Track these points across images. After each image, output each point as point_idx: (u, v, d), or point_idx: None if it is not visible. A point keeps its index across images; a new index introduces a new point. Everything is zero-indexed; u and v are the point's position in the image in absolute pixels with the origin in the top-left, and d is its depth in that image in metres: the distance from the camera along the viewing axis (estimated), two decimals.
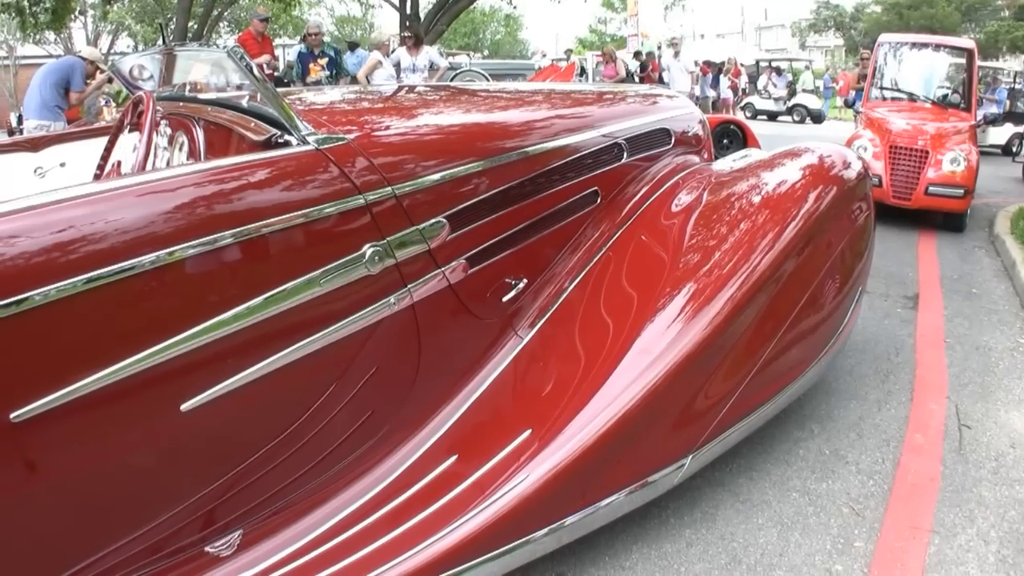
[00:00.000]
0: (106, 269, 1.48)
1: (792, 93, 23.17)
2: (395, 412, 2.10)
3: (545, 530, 1.94)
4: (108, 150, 2.75)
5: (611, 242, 2.60)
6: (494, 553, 1.85)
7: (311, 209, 1.79)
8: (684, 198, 2.75)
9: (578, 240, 2.61)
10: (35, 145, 3.15)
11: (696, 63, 15.71)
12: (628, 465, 2.11)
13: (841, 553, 2.26)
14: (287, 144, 1.90)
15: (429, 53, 9.36)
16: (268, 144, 1.94)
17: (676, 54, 14.10)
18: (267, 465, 1.86)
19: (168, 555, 1.75)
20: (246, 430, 1.82)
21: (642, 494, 2.16)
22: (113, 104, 10.32)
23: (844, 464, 2.73)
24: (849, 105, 10.18)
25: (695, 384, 2.20)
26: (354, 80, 9.21)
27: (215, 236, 1.63)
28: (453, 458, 2.04)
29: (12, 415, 1.41)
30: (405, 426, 2.11)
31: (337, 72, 9.33)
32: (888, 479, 2.64)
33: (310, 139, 1.89)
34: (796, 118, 22.50)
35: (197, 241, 1.60)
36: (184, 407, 1.63)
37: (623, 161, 2.82)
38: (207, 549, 1.79)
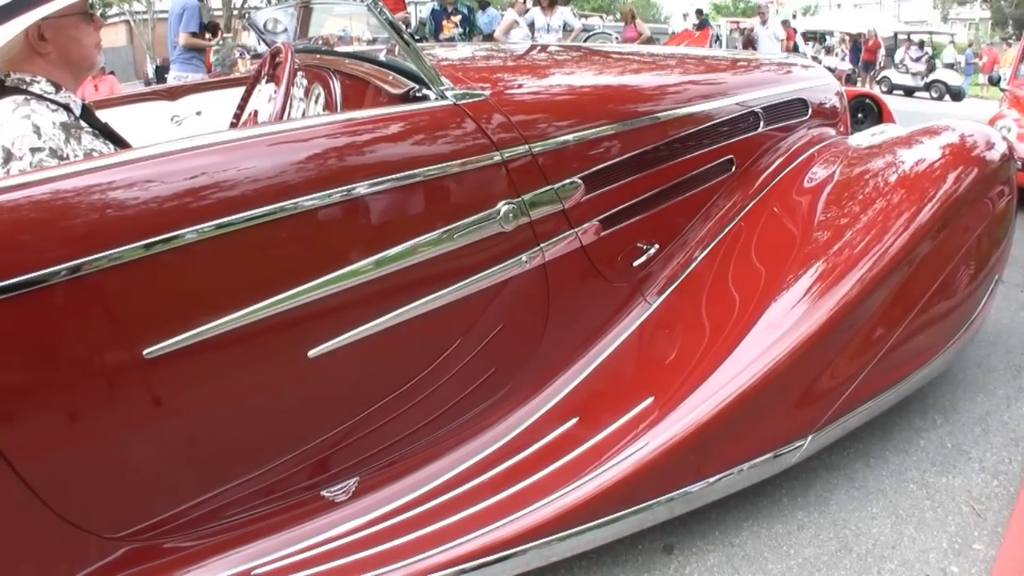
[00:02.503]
0: (238, 216, 1.52)
1: (931, 68, 22.02)
2: (518, 371, 2.11)
3: (659, 499, 1.94)
4: (245, 100, 2.82)
5: (743, 213, 2.55)
6: (607, 519, 1.85)
7: (448, 163, 1.80)
8: (819, 172, 2.66)
9: (710, 209, 2.56)
10: (173, 94, 3.29)
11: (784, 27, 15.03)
12: (747, 440, 2.08)
13: (958, 554, 2.15)
14: (425, 98, 1.91)
15: (563, 14, 9.23)
16: (406, 98, 1.96)
17: (764, 21, 13.61)
18: (388, 415, 1.90)
19: (284, 496, 1.81)
20: (370, 379, 1.87)
21: (758, 471, 2.12)
22: (248, 56, 10.62)
23: (967, 460, 2.60)
24: (994, 83, 9.57)
25: (820, 364, 2.14)
26: (487, 38, 9.21)
27: (351, 186, 1.66)
28: (573, 421, 2.05)
29: (145, 351, 1.47)
30: (527, 385, 2.13)
31: (470, 29, 9.32)
32: (1014, 481, 2.49)
33: (448, 94, 1.90)
34: (934, 94, 21.32)
35: (335, 191, 1.63)
36: (311, 353, 1.68)
37: (759, 130, 2.74)
38: (323, 493, 1.85)
